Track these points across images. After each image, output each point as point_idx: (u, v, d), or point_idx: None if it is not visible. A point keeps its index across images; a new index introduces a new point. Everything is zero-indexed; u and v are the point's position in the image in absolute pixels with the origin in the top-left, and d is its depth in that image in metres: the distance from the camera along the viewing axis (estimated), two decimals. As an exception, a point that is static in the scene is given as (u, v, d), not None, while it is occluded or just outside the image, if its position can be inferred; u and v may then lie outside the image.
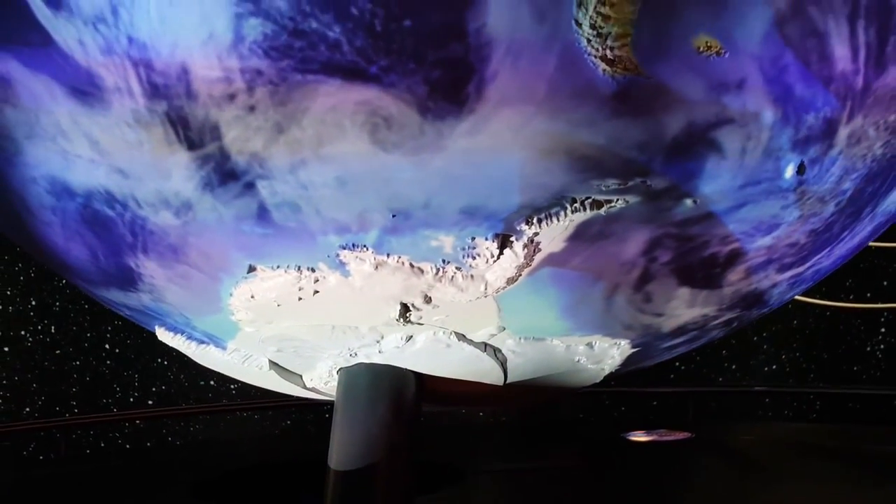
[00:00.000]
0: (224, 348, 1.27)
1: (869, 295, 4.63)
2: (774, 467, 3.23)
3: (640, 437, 3.75)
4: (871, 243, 1.31)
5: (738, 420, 4.21)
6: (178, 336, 1.27)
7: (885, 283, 4.73)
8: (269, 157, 0.92)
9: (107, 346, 3.74)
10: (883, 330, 4.54)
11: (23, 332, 3.56)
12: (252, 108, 0.89)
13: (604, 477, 3.28)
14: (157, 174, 0.94)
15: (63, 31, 0.90)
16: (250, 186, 0.95)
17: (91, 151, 0.94)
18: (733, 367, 4.64)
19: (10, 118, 0.96)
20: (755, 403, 4.39)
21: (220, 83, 0.88)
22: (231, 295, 1.12)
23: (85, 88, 0.90)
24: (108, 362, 3.68)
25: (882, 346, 4.64)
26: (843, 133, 0.94)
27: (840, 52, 0.89)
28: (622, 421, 4.27)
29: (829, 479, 3.05)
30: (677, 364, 4.13)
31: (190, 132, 0.90)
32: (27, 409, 3.80)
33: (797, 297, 2.32)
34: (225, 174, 0.93)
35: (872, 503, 2.79)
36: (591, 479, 3.14)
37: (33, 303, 3.67)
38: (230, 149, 0.92)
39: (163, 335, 1.31)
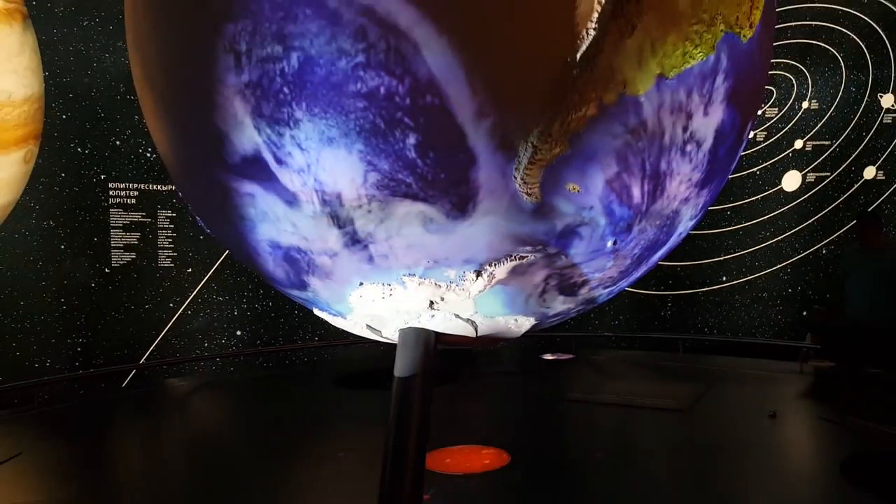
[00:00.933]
0: (346, 318, 2.32)
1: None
2: (615, 372, 5.53)
3: (548, 356, 6.00)
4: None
5: (598, 348, 6.52)
6: (324, 312, 2.30)
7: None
8: (375, 234, 1.94)
9: (297, 311, 5.49)
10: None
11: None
12: (369, 212, 1.90)
13: (526, 377, 5.57)
14: (321, 240, 1.95)
15: (283, 175, 1.88)
16: (366, 247, 1.98)
17: (291, 228, 1.95)
18: (596, 322, 6.80)
19: (251, 212, 1.94)
20: (607, 340, 6.61)
21: (355, 200, 1.88)
22: (350, 295, 2.13)
23: (291, 200, 1.89)
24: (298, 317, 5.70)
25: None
26: (636, 228, 2.02)
27: (636, 195, 1.97)
28: (541, 349, 6.46)
29: (643, 378, 5.41)
30: (566, 325, 6.49)
31: (339, 221, 1.91)
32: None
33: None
34: (355, 241, 1.95)
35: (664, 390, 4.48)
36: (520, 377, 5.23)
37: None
38: (358, 230, 1.93)
39: (317, 312, 2.33)
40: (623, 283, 2.30)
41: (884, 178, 6.39)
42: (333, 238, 1.91)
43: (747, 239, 6.59)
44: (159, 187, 5.34)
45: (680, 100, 1.76)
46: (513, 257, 2.03)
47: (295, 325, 6.01)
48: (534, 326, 2.22)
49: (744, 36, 1.78)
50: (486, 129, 1.58)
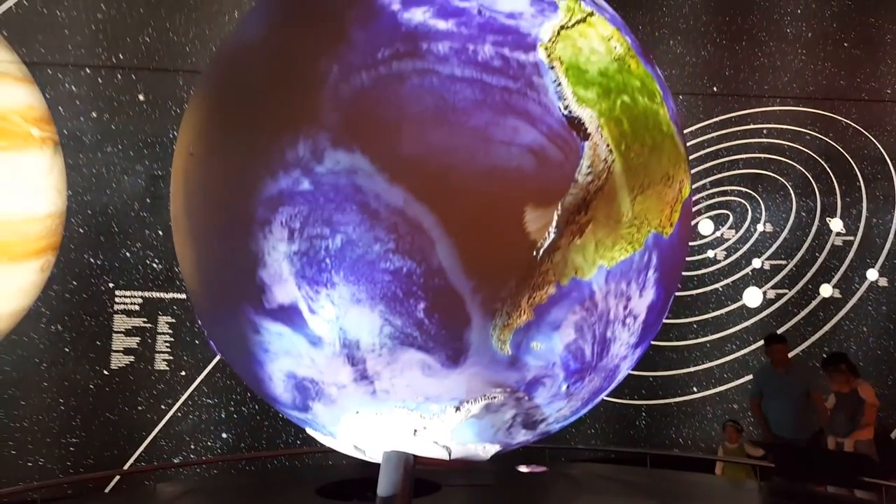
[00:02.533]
0: (336, 438, 2.50)
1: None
2: (587, 487, 5.58)
3: (523, 468, 6.09)
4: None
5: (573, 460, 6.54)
6: (316, 432, 2.48)
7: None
8: (382, 373, 2.09)
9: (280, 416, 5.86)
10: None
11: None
12: (380, 356, 2.03)
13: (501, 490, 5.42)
14: (334, 374, 2.14)
15: (313, 322, 2.06)
16: (371, 383, 2.13)
17: (310, 363, 2.11)
18: (573, 430, 6.96)
19: (276, 347, 2.08)
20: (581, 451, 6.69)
21: (370, 346, 2.08)
22: (345, 420, 2.30)
23: (315, 341, 2.01)
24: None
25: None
26: (586, 379, 2.25)
27: (588, 354, 2.34)
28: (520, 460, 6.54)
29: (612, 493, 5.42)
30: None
31: (354, 360, 2.08)
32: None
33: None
34: (363, 377, 2.19)
35: None
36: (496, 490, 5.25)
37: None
38: (368, 369, 2.05)
39: (309, 430, 2.52)
40: (572, 418, 2.73)
41: (840, 296, 6.85)
42: (345, 373, 2.20)
43: (714, 351, 6.95)
44: (162, 295, 5.78)
45: (622, 288, 2.34)
46: (487, 397, 2.39)
47: (279, 429, 6.26)
48: (498, 451, 2.61)
49: (665, 233, 2.39)
50: (478, 302, 2.10)
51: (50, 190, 4.75)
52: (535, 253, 2.08)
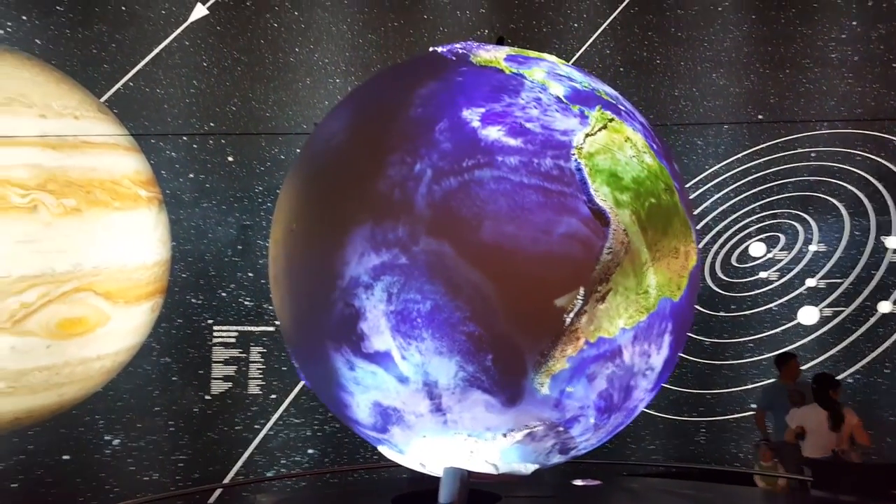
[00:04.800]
0: (404, 455, 2.91)
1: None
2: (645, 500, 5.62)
3: (578, 482, 6.29)
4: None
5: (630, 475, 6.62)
6: (388, 449, 2.94)
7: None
8: (453, 408, 2.58)
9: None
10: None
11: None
12: (453, 394, 2.55)
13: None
14: (415, 406, 2.61)
15: (402, 366, 2.60)
16: (444, 415, 2.53)
17: (395, 395, 2.61)
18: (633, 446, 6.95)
19: (368, 382, 2.64)
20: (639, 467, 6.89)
21: (447, 386, 2.57)
22: (416, 441, 2.80)
23: (403, 380, 2.58)
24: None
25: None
26: (612, 417, 2.73)
27: (615, 399, 2.62)
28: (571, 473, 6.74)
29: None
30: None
31: (432, 396, 2.48)
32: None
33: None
34: (438, 409, 2.53)
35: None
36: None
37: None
38: (443, 404, 2.53)
39: (381, 448, 2.95)
40: (597, 445, 3.24)
41: (900, 311, 6.90)
42: (424, 406, 2.79)
43: (771, 369, 7.11)
44: (253, 329, 6.54)
45: (644, 347, 2.85)
46: (531, 427, 2.90)
47: (357, 446, 6.90)
48: (536, 470, 3.08)
49: (675, 297, 2.87)
50: (528, 355, 2.64)
51: (157, 242, 5.50)
52: (566, 316, 2.61)
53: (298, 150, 5.85)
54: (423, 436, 2.84)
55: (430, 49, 3.13)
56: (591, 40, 6.83)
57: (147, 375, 6.07)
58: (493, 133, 2.63)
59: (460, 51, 2.98)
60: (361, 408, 2.86)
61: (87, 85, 5.28)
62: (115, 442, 5.96)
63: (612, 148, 2.75)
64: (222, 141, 6.20)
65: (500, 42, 3.25)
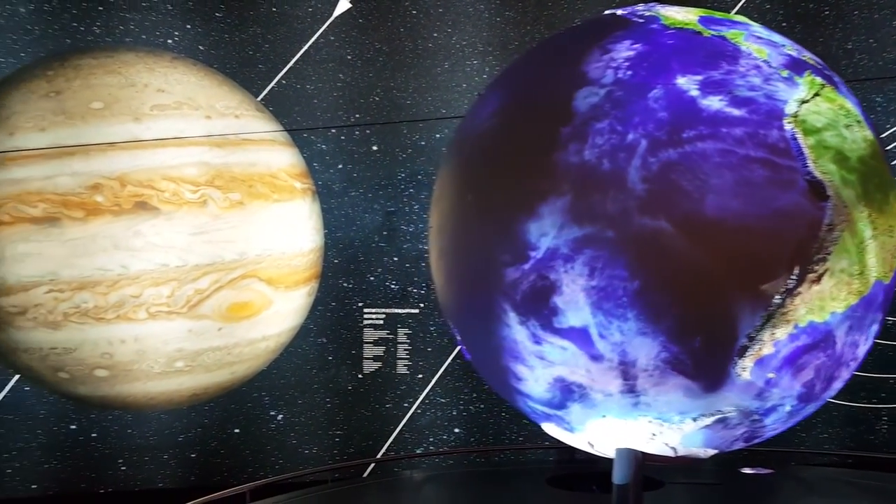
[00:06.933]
0: (573, 434, 2.86)
1: None
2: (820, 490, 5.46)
3: (747, 470, 5.96)
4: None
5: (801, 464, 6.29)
6: (555, 427, 2.87)
7: None
8: (649, 390, 2.52)
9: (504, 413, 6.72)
10: None
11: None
12: (651, 376, 2.49)
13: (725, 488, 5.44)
14: (605, 384, 2.55)
15: (599, 343, 2.55)
16: (637, 396, 2.50)
17: (584, 372, 2.55)
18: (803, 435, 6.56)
19: (555, 357, 2.58)
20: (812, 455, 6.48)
21: (644, 367, 2.51)
22: (592, 420, 2.73)
23: (597, 357, 2.54)
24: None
25: None
26: (809, 406, 2.65)
27: (818, 390, 2.60)
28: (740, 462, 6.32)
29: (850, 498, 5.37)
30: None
31: (627, 376, 2.50)
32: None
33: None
34: (630, 390, 2.52)
35: None
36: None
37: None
38: (637, 385, 2.51)
39: (545, 424, 2.87)
40: (777, 433, 3.02)
41: None
42: (615, 385, 2.68)
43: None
44: (399, 311, 6.77)
45: (854, 337, 2.67)
46: (724, 413, 2.73)
47: (502, 426, 6.95)
48: (713, 455, 2.95)
49: (886, 279, 2.68)
50: (739, 341, 2.49)
51: (311, 230, 5.80)
52: (778, 297, 2.47)
53: (441, 133, 5.92)
54: (602, 415, 2.74)
55: (606, 12, 2.95)
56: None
57: (305, 355, 6.46)
58: (715, 103, 2.46)
59: (645, 12, 2.78)
60: (540, 382, 2.76)
61: (245, 85, 5.65)
62: (279, 417, 6.41)
63: (830, 118, 2.56)
64: (367, 131, 6.42)
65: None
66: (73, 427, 5.88)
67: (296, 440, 6.46)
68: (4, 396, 5.67)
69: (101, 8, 5.78)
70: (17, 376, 5.53)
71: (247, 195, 4.96)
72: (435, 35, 6.44)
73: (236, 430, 6.34)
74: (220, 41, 6.06)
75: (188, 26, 6.01)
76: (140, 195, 4.47)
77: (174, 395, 5.21)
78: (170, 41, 5.94)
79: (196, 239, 4.70)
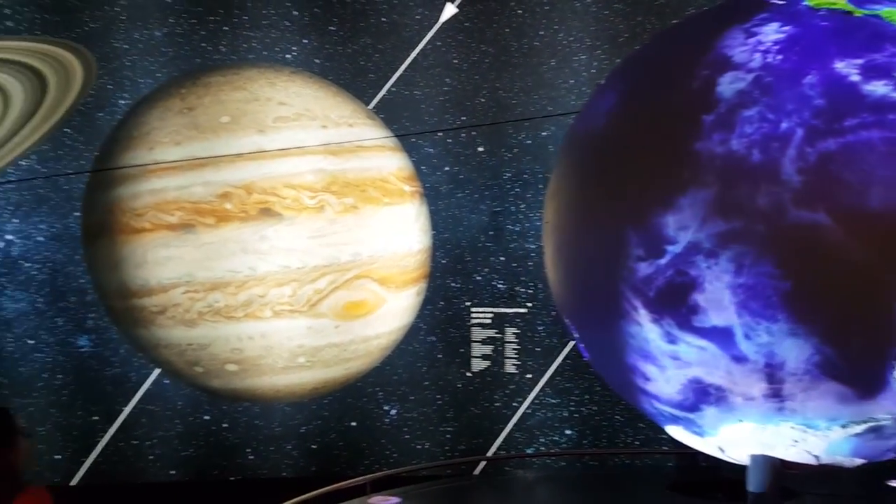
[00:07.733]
0: (703, 438, 2.72)
1: None
2: None
3: (894, 483, 5.25)
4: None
5: None
6: (683, 430, 2.73)
7: None
8: (796, 396, 2.38)
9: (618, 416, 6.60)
10: None
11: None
12: (800, 380, 2.32)
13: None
14: (747, 387, 2.40)
15: (743, 344, 2.38)
16: (782, 401, 2.36)
17: (723, 373, 2.43)
18: None
19: (692, 357, 2.47)
20: None
21: (793, 370, 2.36)
22: (726, 425, 2.59)
23: (740, 357, 2.40)
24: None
25: None
26: None
27: None
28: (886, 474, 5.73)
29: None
30: None
31: (772, 380, 2.35)
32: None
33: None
34: (775, 395, 2.37)
35: None
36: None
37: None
38: (784, 389, 2.37)
39: (670, 427, 2.72)
40: None
41: None
42: (758, 388, 2.50)
43: None
44: (506, 310, 6.83)
45: None
46: (878, 421, 2.53)
47: (616, 429, 6.87)
48: (859, 465, 2.75)
49: None
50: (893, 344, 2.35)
51: (420, 231, 6.00)
52: None
53: (547, 131, 5.90)
54: (739, 420, 2.58)
55: None
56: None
57: (416, 353, 6.65)
58: (880, 88, 2.29)
59: None
60: (672, 383, 2.62)
61: (357, 94, 5.91)
62: (393, 412, 6.64)
63: None
64: (473, 133, 6.52)
65: None
66: (207, 418, 6.35)
67: (408, 435, 6.66)
68: (147, 389, 6.22)
69: (226, 28, 6.21)
70: (158, 370, 6.05)
71: (360, 199, 5.22)
72: (541, 33, 6.45)
73: (353, 423, 6.62)
74: (333, 53, 6.35)
75: (304, 41, 6.34)
76: (265, 202, 4.81)
77: (297, 389, 5.55)
78: (288, 56, 6.29)
79: (314, 242, 5.00)
